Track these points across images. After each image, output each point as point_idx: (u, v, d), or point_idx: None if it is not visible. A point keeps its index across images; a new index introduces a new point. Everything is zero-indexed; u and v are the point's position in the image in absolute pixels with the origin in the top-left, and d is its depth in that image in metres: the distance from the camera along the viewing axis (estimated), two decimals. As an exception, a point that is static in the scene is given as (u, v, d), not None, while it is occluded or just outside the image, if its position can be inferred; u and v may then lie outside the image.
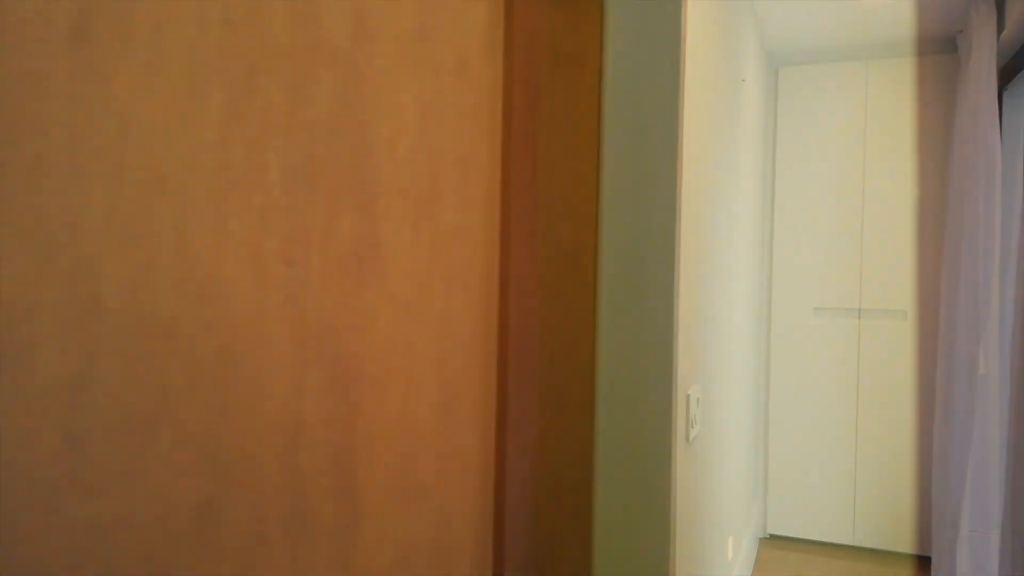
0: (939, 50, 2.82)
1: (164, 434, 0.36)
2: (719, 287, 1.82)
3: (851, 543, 2.95)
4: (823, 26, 2.66)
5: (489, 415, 0.54)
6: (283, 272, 0.40)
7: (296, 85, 0.40)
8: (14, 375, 0.30)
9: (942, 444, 2.40)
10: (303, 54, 0.41)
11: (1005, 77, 2.25)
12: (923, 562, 2.81)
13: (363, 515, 0.45)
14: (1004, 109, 2.27)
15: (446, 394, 0.50)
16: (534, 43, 0.56)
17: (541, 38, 0.56)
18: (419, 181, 0.48)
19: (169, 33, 0.36)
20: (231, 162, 0.38)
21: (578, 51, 0.58)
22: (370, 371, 0.45)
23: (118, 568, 0.35)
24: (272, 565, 0.40)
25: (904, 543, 2.86)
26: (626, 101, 1.03)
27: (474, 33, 0.50)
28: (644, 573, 0.85)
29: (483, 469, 0.53)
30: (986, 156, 2.05)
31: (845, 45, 2.85)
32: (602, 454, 1.14)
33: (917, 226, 2.84)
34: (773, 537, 3.06)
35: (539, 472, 0.57)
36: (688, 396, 1.34)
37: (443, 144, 0.49)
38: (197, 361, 0.37)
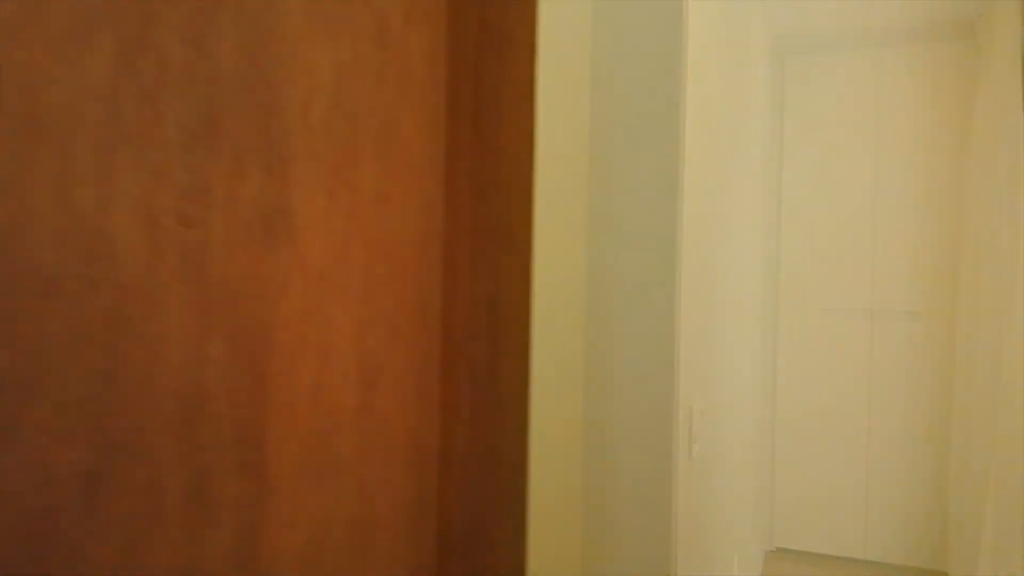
0: (956, 36, 2.74)
1: (42, 398, 0.34)
2: (724, 288, 1.79)
3: (863, 557, 2.86)
4: (832, 12, 2.61)
5: (423, 390, 0.51)
6: (180, 232, 0.38)
7: (196, 37, 0.39)
8: None
9: (961, 452, 2.34)
10: (204, 6, 0.39)
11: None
12: (938, 576, 2.73)
13: (273, 490, 0.43)
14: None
15: (367, 367, 0.48)
16: (464, 18, 0.54)
17: (471, 14, 0.54)
18: (335, 146, 0.46)
19: (53, -21, 0.34)
20: (121, 114, 0.36)
21: (510, 28, 0.56)
22: (280, 341, 0.43)
23: (-7, 539, 0.33)
24: (168, 540, 0.38)
25: (919, 557, 2.78)
26: (613, 90, 1.01)
27: (396, 1, 0.48)
28: None
29: (414, 445, 0.51)
30: (1009, 149, 2.00)
31: (856, 32, 2.79)
32: (592, 475, 1.11)
33: (931, 222, 2.77)
34: (780, 550, 3.00)
35: (475, 449, 0.55)
36: (691, 409, 1.30)
37: (362, 110, 0.47)
38: (81, 322, 0.35)
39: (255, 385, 0.42)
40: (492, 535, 0.57)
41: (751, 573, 2.52)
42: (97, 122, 0.36)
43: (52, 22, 0.34)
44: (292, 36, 0.43)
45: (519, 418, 0.61)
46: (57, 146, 0.34)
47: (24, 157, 0.33)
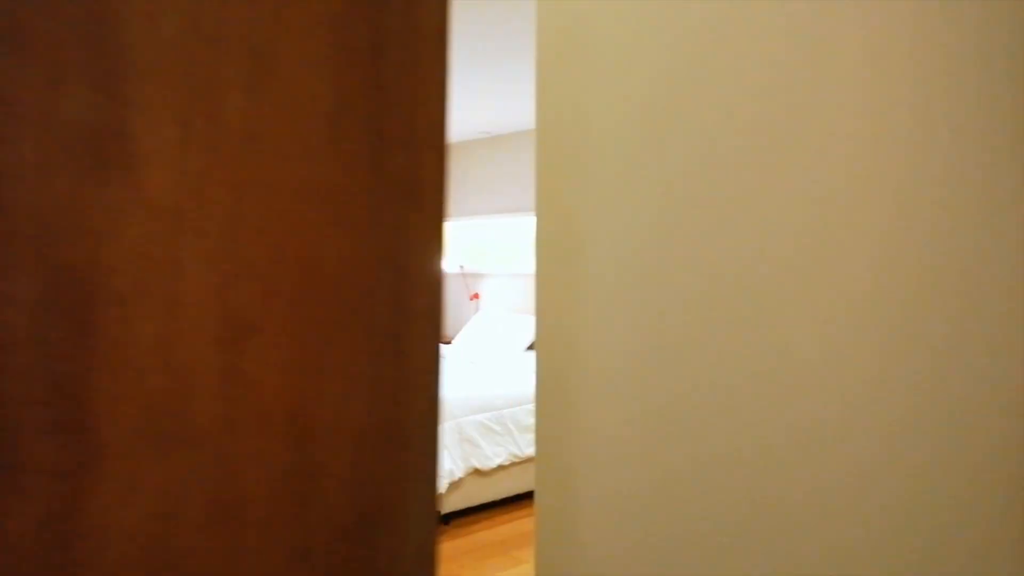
0: None
1: None
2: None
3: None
4: None
5: (308, 355, 0.46)
6: (-25, 151, 0.33)
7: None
8: None
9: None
10: None
11: None
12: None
13: (103, 457, 0.37)
14: None
15: (233, 325, 0.42)
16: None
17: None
18: (191, 71, 0.41)
19: None
20: None
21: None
22: (113, 287, 0.38)
23: None
24: (-44, 510, 0.33)
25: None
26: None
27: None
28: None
29: (296, 415, 0.45)
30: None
31: None
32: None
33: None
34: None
35: (376, 423, 0.50)
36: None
37: (229, 36, 0.42)
38: None
39: (77, 334, 0.36)
40: (398, 518, 0.52)
41: None
42: None
43: None
44: (132, -60, 0.38)
45: (430, 392, 0.55)
46: None
47: None
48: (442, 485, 4.23)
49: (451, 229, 7.30)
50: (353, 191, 0.49)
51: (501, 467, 4.61)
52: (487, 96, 5.43)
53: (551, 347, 1.15)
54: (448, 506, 4.39)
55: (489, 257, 6.97)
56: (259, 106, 0.44)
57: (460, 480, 4.41)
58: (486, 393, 4.68)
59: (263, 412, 0.44)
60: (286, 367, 0.45)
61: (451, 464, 4.33)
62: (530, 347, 6.26)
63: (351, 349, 0.49)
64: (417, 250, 0.52)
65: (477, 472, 4.51)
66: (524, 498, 4.81)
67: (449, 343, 6.68)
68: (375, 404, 0.50)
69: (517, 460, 4.66)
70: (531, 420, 4.75)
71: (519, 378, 4.98)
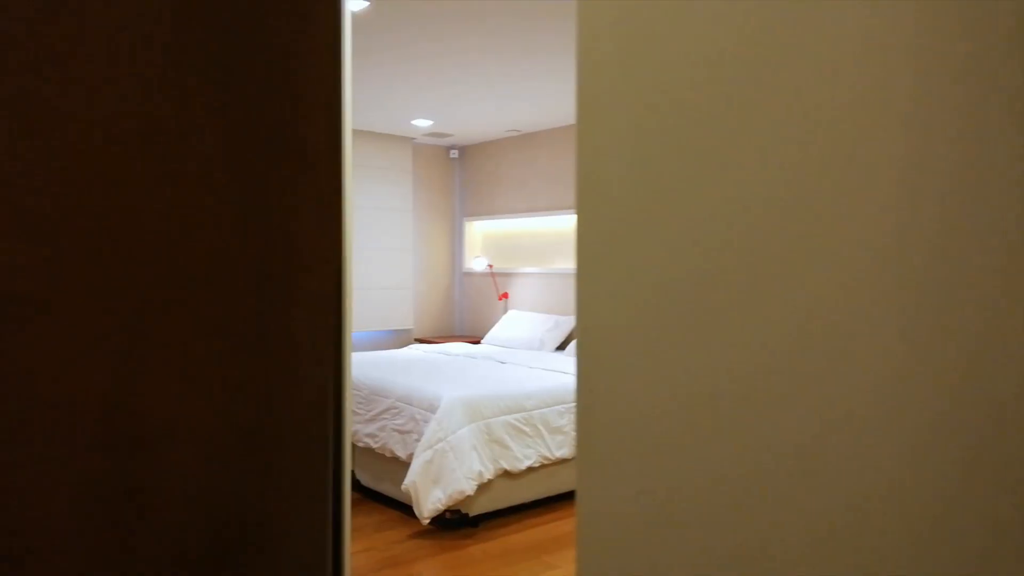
0: None
1: None
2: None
3: None
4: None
5: (129, 340, 0.36)
6: None
7: None
8: None
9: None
10: None
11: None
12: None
13: None
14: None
15: (14, 298, 0.33)
16: None
17: None
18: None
19: None
20: None
21: None
22: None
23: None
24: None
25: None
26: None
27: None
28: None
29: (119, 415, 0.36)
30: None
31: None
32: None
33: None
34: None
35: (248, 425, 0.40)
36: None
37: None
38: None
39: None
40: (272, 540, 0.42)
41: None
42: None
43: None
44: None
45: (318, 386, 0.45)
46: None
47: None
48: (471, 487, 4.14)
49: (480, 228, 7.21)
50: (198, 140, 0.39)
51: (531, 469, 4.49)
52: (516, 94, 5.34)
53: (592, 344, 1.10)
54: (477, 508, 4.30)
55: (519, 256, 6.87)
56: (60, 23, 0.34)
57: (489, 482, 4.31)
58: (516, 394, 4.57)
59: (55, 411, 0.34)
60: (90, 355, 0.36)
61: (480, 466, 4.23)
62: (559, 347, 6.13)
63: (193, 334, 0.39)
64: (299, 219, 0.42)
65: (507, 474, 4.41)
66: (554, 501, 4.70)
67: (478, 343, 6.59)
68: (235, 403, 0.40)
69: (548, 462, 4.54)
70: (562, 421, 4.63)
71: (549, 378, 4.86)
